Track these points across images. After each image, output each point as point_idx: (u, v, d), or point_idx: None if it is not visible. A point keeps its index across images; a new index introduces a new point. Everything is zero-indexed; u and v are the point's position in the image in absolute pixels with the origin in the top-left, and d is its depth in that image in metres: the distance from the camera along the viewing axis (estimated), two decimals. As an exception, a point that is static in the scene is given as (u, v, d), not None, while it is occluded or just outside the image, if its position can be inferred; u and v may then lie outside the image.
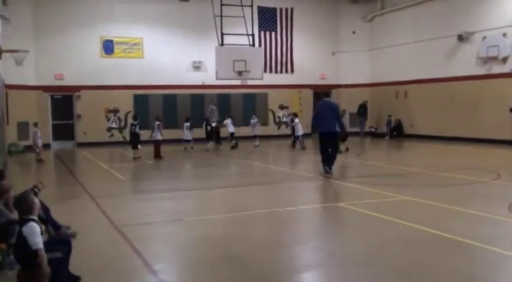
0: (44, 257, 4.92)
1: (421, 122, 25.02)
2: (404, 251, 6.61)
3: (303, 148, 20.58)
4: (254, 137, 22.58)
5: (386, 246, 6.87)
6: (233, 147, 21.53)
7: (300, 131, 21.08)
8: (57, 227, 7.35)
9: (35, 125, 19.01)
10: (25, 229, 4.98)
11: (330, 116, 13.02)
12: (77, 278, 5.56)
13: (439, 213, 8.73)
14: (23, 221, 5.09)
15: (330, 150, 13.04)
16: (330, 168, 12.93)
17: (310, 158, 17.46)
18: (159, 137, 18.59)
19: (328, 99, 14.15)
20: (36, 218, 5.18)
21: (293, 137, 21.86)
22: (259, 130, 23.25)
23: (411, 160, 17.46)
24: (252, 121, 22.74)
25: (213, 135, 22.21)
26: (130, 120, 21.41)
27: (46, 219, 7.13)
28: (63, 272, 5.34)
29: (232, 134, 21.98)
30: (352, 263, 6.19)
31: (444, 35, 23.13)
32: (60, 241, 5.72)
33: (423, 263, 6.06)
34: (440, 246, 6.73)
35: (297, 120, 21.48)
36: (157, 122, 18.90)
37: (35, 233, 4.94)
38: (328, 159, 13.03)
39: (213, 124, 22.34)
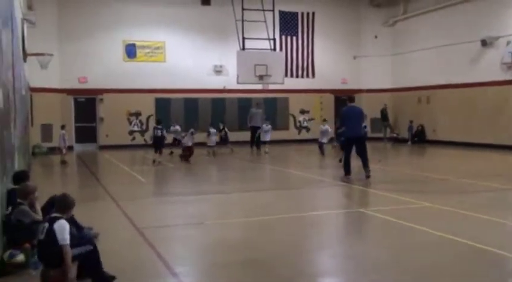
0: (69, 253, 5.22)
1: (444, 127, 24.75)
2: (427, 259, 6.53)
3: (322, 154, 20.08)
4: (264, 143, 21.78)
5: (409, 253, 6.80)
6: (213, 154, 20.45)
7: (324, 138, 20.30)
8: (80, 227, 7.44)
9: (62, 127, 19.27)
10: (56, 225, 5.29)
11: (357, 120, 13.10)
12: (112, 278, 5.67)
13: (462, 220, 8.62)
14: (54, 219, 5.34)
15: (358, 153, 13.13)
16: (367, 170, 13.03)
17: (332, 164, 17.39)
18: (190, 144, 18.70)
19: (353, 104, 13.85)
20: (65, 217, 5.44)
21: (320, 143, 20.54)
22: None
23: (434, 166, 17.27)
24: (266, 127, 21.90)
25: (254, 140, 22.23)
26: (153, 124, 21.57)
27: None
28: (96, 266, 5.52)
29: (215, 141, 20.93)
30: (373, 269, 6.14)
31: (467, 40, 22.87)
32: (84, 239, 5.89)
33: (446, 270, 5.98)
34: (464, 254, 6.64)
35: (325, 126, 20.60)
36: (192, 130, 19.17)
37: (65, 230, 5.28)
38: (347, 164, 13.16)
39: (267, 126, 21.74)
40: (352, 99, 13.75)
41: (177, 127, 21.45)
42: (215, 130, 21.13)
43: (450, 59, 24.04)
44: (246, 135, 24.21)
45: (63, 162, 18.14)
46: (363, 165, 13.11)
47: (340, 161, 16.60)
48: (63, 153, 18.42)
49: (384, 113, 27.29)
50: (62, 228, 5.29)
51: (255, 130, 22.45)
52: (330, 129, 20.46)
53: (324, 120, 22.04)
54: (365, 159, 13.08)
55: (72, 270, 5.28)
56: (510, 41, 21.09)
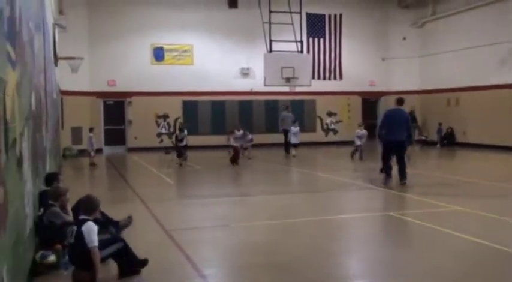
0: (98, 255, 5.34)
1: (474, 130, 24.32)
2: (455, 263, 6.43)
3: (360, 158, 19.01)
4: (293, 146, 21.11)
5: (437, 257, 6.70)
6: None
7: (359, 142, 19.27)
8: (115, 222, 7.61)
9: (90, 130, 19.51)
10: (84, 228, 5.39)
11: (400, 124, 12.33)
12: (144, 262, 5.91)
13: (492, 224, 8.46)
14: (82, 221, 5.43)
15: (395, 159, 12.59)
16: (403, 177, 12.38)
17: (361, 167, 17.27)
18: (235, 144, 18.46)
19: (400, 106, 12.85)
20: (92, 218, 5.53)
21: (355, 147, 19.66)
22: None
23: (464, 169, 17.01)
24: (294, 129, 21.24)
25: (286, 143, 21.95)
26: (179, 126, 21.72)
27: (105, 221, 7.39)
28: (131, 260, 5.76)
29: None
30: (401, 274, 6.07)
31: (498, 41, 22.45)
32: (113, 239, 6.00)
33: (473, 274, 5.88)
34: (493, 259, 6.52)
35: (363, 131, 19.67)
36: (240, 132, 19.25)
37: (93, 232, 5.39)
38: (388, 169, 12.73)
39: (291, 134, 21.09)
40: (400, 102, 12.86)
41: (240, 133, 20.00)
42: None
43: (480, 60, 23.63)
44: (273, 138, 24.25)
45: (92, 165, 18.40)
46: (399, 171, 12.44)
47: (351, 155, 18.24)
48: (91, 156, 18.68)
49: (412, 115, 26.94)
50: (90, 231, 5.39)
51: (286, 133, 22.08)
52: (366, 134, 19.77)
53: (360, 125, 20.88)
54: (402, 166, 12.39)
55: (101, 270, 5.38)
56: (543, 42, 20.65)
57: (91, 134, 19.19)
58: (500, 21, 22.52)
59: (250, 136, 20.49)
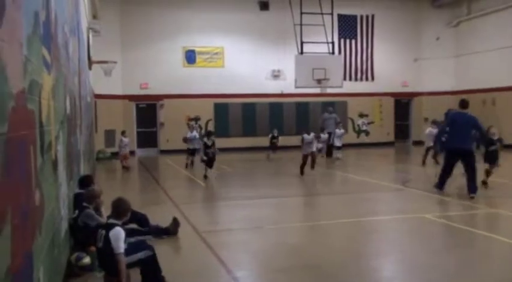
0: (123, 262, 5.14)
1: (510, 131, 23.71)
2: (493, 266, 6.25)
3: (436, 162, 16.38)
4: (337, 148, 20.48)
5: (474, 260, 6.54)
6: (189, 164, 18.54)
7: (431, 142, 16.61)
8: (163, 229, 7.79)
9: (122, 133, 19.61)
10: (111, 234, 5.22)
11: (464, 130, 10.99)
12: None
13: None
14: (110, 226, 5.33)
15: (465, 170, 11.17)
16: (474, 191, 10.79)
17: (395, 167, 17.02)
18: (314, 149, 16.14)
19: (465, 110, 11.43)
20: (121, 222, 5.43)
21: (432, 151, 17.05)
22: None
23: (500, 171, 16.57)
24: (339, 131, 20.56)
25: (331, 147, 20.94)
26: (211, 128, 21.79)
27: (146, 231, 7.53)
28: (155, 272, 5.56)
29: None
30: (437, 277, 5.93)
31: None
32: (143, 242, 5.94)
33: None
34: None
35: (435, 129, 16.48)
36: (311, 135, 16.58)
37: (120, 238, 5.19)
38: (443, 178, 11.44)
39: (324, 135, 19.72)
40: (464, 105, 11.46)
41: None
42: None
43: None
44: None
45: (125, 168, 18.46)
46: (468, 183, 10.93)
47: (423, 160, 15.85)
48: (123, 159, 18.81)
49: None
50: (117, 237, 5.19)
51: (329, 136, 21.05)
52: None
53: (433, 122, 18.29)
54: (472, 176, 10.90)
55: (132, 277, 5.29)
56: None
57: (122, 137, 19.15)
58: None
59: (326, 135, 19.62)
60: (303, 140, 15.86)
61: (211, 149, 15.11)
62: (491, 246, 7.19)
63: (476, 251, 6.97)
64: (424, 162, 17.36)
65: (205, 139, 15.40)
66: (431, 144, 16.25)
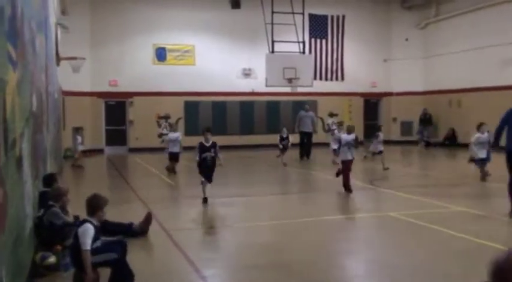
0: (89, 258, 5.13)
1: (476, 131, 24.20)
2: (457, 263, 6.39)
3: None
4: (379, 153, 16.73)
5: (438, 257, 6.67)
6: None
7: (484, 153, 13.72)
8: (126, 226, 7.62)
9: (77, 130, 19.17)
10: (80, 229, 5.24)
11: None
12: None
13: (492, 224, 8.43)
14: (82, 222, 5.33)
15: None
16: None
17: (363, 166, 17.21)
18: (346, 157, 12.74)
19: None
20: (93, 221, 5.38)
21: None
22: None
23: (463, 170, 16.95)
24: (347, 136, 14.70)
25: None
26: (182, 126, 21.59)
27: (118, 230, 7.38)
28: (122, 271, 5.47)
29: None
30: (402, 274, 6.03)
31: (501, 43, 22.39)
32: (115, 242, 5.86)
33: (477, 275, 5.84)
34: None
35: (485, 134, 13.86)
36: (352, 135, 13.80)
37: (86, 235, 5.18)
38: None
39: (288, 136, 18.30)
40: None
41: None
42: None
43: (482, 62, 23.57)
44: (276, 139, 24.19)
45: (78, 167, 17.78)
46: None
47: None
48: (76, 157, 18.38)
49: (426, 117, 26.80)
50: (84, 232, 5.18)
51: (305, 136, 20.25)
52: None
53: (480, 125, 14.37)
54: None
55: (92, 276, 5.21)
56: (545, 43, 20.60)
57: (77, 135, 18.78)
58: (503, 22, 22.45)
59: (381, 136, 16.76)
60: (340, 141, 12.10)
61: (210, 153, 10.72)
62: (451, 242, 7.34)
63: (437, 247, 7.11)
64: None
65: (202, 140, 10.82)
66: (484, 156, 13.82)
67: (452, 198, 10.94)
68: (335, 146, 15.20)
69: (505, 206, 9.26)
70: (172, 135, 16.14)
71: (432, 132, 26.80)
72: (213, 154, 10.73)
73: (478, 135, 13.86)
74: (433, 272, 6.10)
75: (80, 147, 18.75)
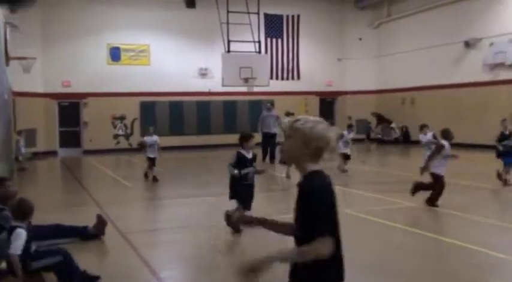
0: (16, 263, 5.03)
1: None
2: (413, 259, 6.55)
3: None
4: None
5: (395, 253, 6.82)
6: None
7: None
8: (81, 229, 7.46)
9: (18, 133, 18.63)
10: (13, 235, 5.13)
11: None
12: (96, 278, 5.60)
13: (446, 219, 8.68)
14: (13, 228, 5.22)
15: None
16: None
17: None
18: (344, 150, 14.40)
19: None
20: (24, 225, 5.27)
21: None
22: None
23: (417, 167, 17.37)
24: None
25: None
26: (142, 129, 21.27)
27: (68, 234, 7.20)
28: (70, 277, 5.38)
29: None
30: (360, 271, 6.14)
31: (451, 42, 23.08)
32: (55, 251, 5.67)
33: (433, 270, 6.01)
34: (445, 253, 6.68)
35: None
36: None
37: (19, 239, 5.10)
38: None
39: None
40: None
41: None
42: None
43: (434, 61, 24.23)
44: (233, 139, 24.18)
45: (22, 169, 17.20)
46: None
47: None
48: (20, 160, 17.80)
49: (381, 116, 27.38)
50: (16, 237, 5.10)
51: (267, 137, 19.00)
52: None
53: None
54: None
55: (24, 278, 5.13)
56: (493, 43, 21.34)
57: (18, 137, 18.28)
58: (453, 22, 23.16)
59: (347, 136, 15.23)
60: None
61: (253, 168, 8.12)
62: (407, 238, 7.53)
63: (393, 243, 7.28)
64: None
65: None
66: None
67: (404, 194, 11.18)
68: None
69: (453, 200, 9.51)
70: (150, 139, 14.36)
71: (386, 130, 27.36)
72: (254, 170, 7.93)
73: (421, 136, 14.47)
74: (388, 268, 6.23)
75: (23, 150, 18.11)
